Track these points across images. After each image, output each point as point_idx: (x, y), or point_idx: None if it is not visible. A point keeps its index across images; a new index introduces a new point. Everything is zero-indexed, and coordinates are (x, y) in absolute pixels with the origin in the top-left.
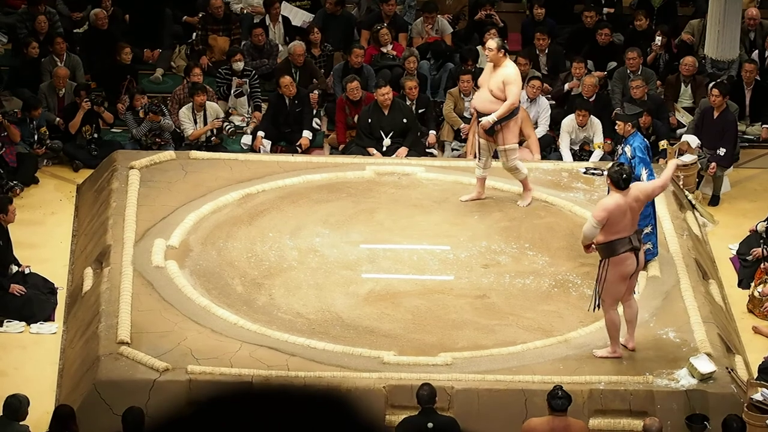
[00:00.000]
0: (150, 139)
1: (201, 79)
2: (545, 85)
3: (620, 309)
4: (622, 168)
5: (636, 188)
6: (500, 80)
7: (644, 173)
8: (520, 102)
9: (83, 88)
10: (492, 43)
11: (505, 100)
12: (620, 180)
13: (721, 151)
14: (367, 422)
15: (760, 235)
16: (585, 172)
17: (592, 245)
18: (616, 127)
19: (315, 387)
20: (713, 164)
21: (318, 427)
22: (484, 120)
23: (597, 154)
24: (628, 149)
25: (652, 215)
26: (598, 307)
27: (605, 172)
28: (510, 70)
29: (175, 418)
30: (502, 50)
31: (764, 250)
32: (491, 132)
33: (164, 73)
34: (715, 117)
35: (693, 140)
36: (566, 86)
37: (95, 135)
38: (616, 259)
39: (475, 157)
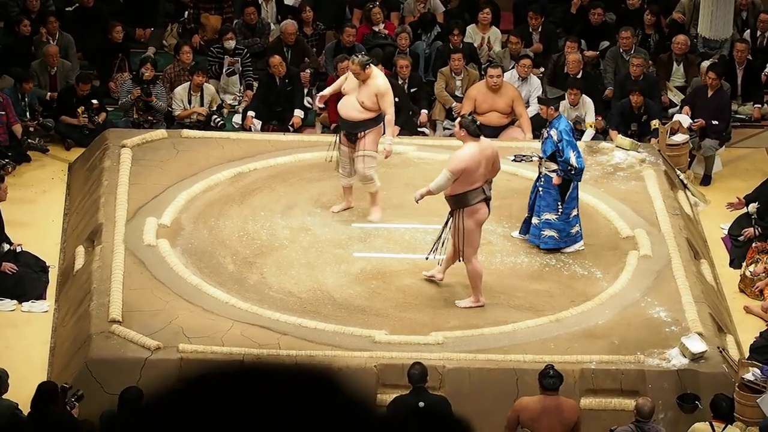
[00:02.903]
0: (142, 117)
1: (190, 57)
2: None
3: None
4: (473, 116)
5: (488, 141)
6: (372, 92)
7: (572, 155)
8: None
9: (83, 76)
10: (354, 66)
11: (377, 110)
12: (476, 128)
13: (714, 122)
14: (358, 401)
15: (752, 214)
16: (514, 160)
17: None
18: (539, 111)
19: (306, 365)
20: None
21: (308, 405)
22: (387, 139)
23: (589, 133)
24: (554, 132)
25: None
26: (435, 253)
27: (534, 157)
28: (380, 81)
29: (166, 396)
30: (367, 66)
31: (756, 230)
32: (353, 138)
33: (156, 52)
34: (709, 96)
35: (685, 120)
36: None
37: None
38: (470, 209)
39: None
